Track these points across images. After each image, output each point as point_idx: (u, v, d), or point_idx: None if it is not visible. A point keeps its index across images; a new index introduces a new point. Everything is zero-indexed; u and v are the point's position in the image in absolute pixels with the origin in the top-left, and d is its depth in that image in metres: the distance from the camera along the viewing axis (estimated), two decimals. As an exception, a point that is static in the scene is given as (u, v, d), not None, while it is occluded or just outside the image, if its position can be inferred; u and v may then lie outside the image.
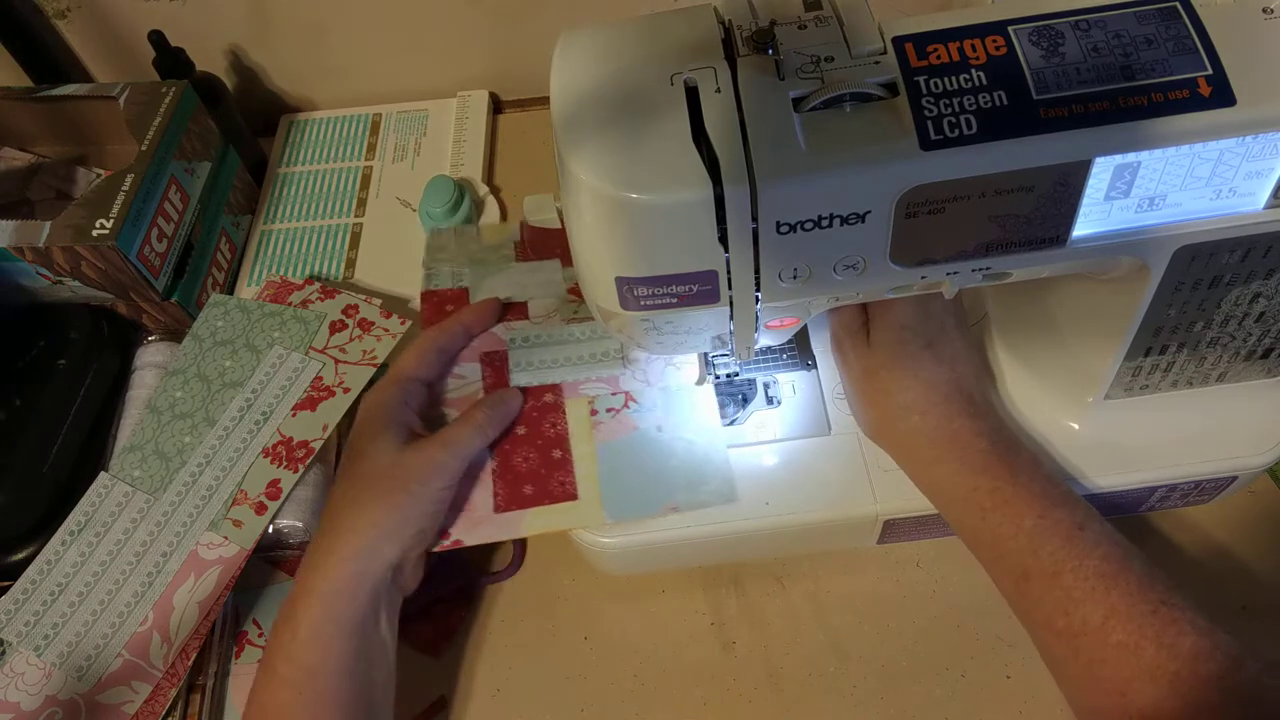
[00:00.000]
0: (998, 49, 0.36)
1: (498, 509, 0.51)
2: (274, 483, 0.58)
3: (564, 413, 0.54)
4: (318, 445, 0.59)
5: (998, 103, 0.36)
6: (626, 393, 0.55)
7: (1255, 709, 0.38)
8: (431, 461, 0.49)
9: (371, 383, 0.62)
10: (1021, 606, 0.44)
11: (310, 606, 0.46)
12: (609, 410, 0.54)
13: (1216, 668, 0.38)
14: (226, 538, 0.56)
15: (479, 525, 0.51)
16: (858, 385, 0.51)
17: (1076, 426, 0.52)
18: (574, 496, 0.51)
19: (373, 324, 0.65)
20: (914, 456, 0.48)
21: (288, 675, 0.45)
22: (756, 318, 0.44)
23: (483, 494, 0.52)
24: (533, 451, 0.53)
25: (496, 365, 0.56)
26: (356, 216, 0.76)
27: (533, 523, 0.51)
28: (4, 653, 0.54)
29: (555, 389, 0.55)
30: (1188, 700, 0.38)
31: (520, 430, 0.54)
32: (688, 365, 0.55)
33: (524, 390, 0.55)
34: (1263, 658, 0.39)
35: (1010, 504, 0.44)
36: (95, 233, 0.60)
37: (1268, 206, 0.39)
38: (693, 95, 0.38)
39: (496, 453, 0.53)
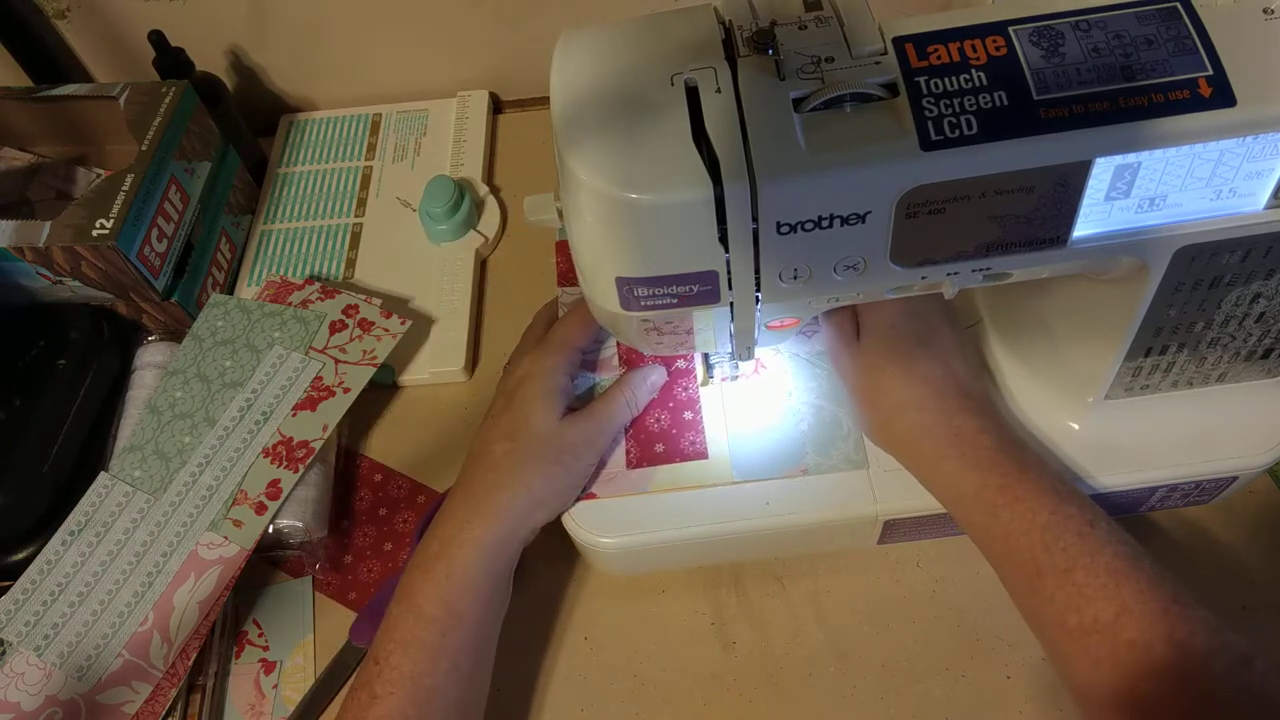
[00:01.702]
0: (998, 49, 0.36)
1: (630, 465, 0.54)
2: (274, 483, 0.58)
3: (696, 377, 0.56)
4: (318, 445, 0.59)
5: (998, 103, 0.36)
6: (758, 359, 0.56)
7: (1266, 707, 0.38)
8: (585, 437, 0.51)
9: (372, 383, 0.62)
10: (1032, 604, 0.44)
11: (468, 554, 0.48)
12: (739, 375, 0.56)
13: (1226, 666, 0.38)
14: (226, 538, 0.57)
15: (612, 480, 0.53)
16: (853, 388, 0.51)
17: (1076, 426, 0.52)
18: (704, 455, 0.54)
19: (373, 324, 0.65)
20: (917, 454, 0.48)
21: (436, 616, 0.47)
22: (756, 318, 0.44)
23: (616, 451, 0.54)
24: (665, 412, 0.55)
25: None
26: (356, 216, 0.76)
27: (662, 479, 0.53)
28: (4, 653, 0.54)
29: (688, 354, 0.57)
30: (1198, 699, 0.38)
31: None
32: (818, 334, 0.57)
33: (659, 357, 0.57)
34: (1272, 656, 0.39)
35: (1022, 500, 0.44)
36: (95, 233, 0.60)
37: (1268, 207, 0.39)
38: (693, 95, 0.38)
39: None
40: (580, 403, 0.54)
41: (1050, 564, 0.42)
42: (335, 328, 0.64)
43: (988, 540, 0.46)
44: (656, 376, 0.55)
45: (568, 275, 0.62)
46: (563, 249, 0.63)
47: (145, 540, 0.57)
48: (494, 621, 0.50)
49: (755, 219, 0.37)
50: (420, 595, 0.47)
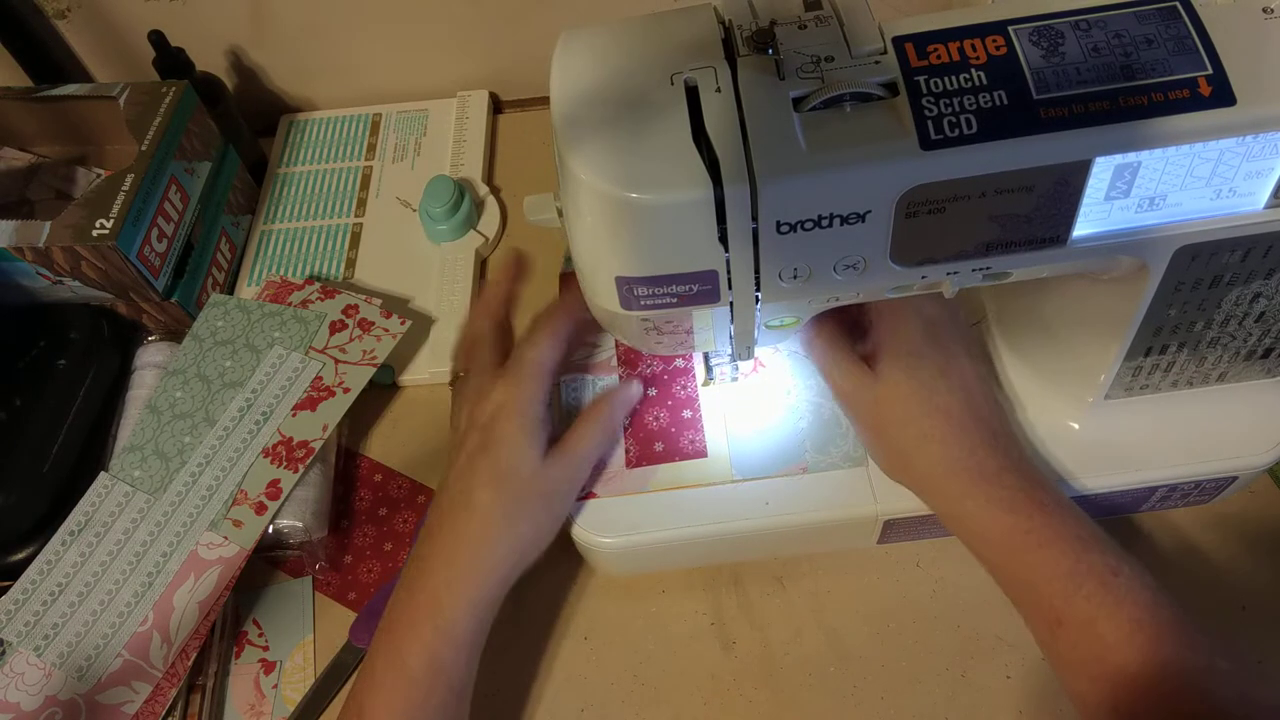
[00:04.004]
0: (998, 49, 0.36)
1: (629, 465, 0.54)
2: (274, 483, 0.58)
3: (695, 375, 0.56)
4: (318, 445, 0.59)
5: (998, 102, 0.36)
6: (756, 358, 0.56)
7: None
8: (570, 474, 0.50)
9: (372, 383, 0.62)
10: (1055, 649, 0.43)
11: (460, 610, 0.47)
12: (738, 374, 0.56)
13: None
14: (226, 538, 0.56)
15: (612, 480, 0.53)
16: (869, 420, 0.49)
17: (1076, 426, 0.52)
18: (703, 454, 0.54)
19: (373, 324, 0.65)
20: (939, 490, 0.47)
21: (421, 677, 0.46)
22: (756, 318, 0.44)
23: (616, 450, 0.54)
24: (664, 411, 0.55)
25: None
26: (356, 216, 0.76)
27: (662, 478, 0.53)
28: (4, 653, 0.54)
29: (687, 354, 0.57)
30: None
31: (652, 391, 0.56)
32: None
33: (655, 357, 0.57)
34: None
35: (1045, 546, 0.43)
36: (95, 233, 0.60)
37: (1268, 206, 0.39)
38: (693, 95, 0.38)
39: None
40: (559, 424, 0.53)
41: (1073, 615, 0.41)
42: (335, 328, 0.64)
43: (1010, 584, 0.44)
44: (633, 392, 0.54)
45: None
46: (565, 280, 0.62)
47: (145, 540, 0.57)
48: (475, 666, 0.49)
49: (755, 218, 0.37)
50: (407, 651, 0.46)
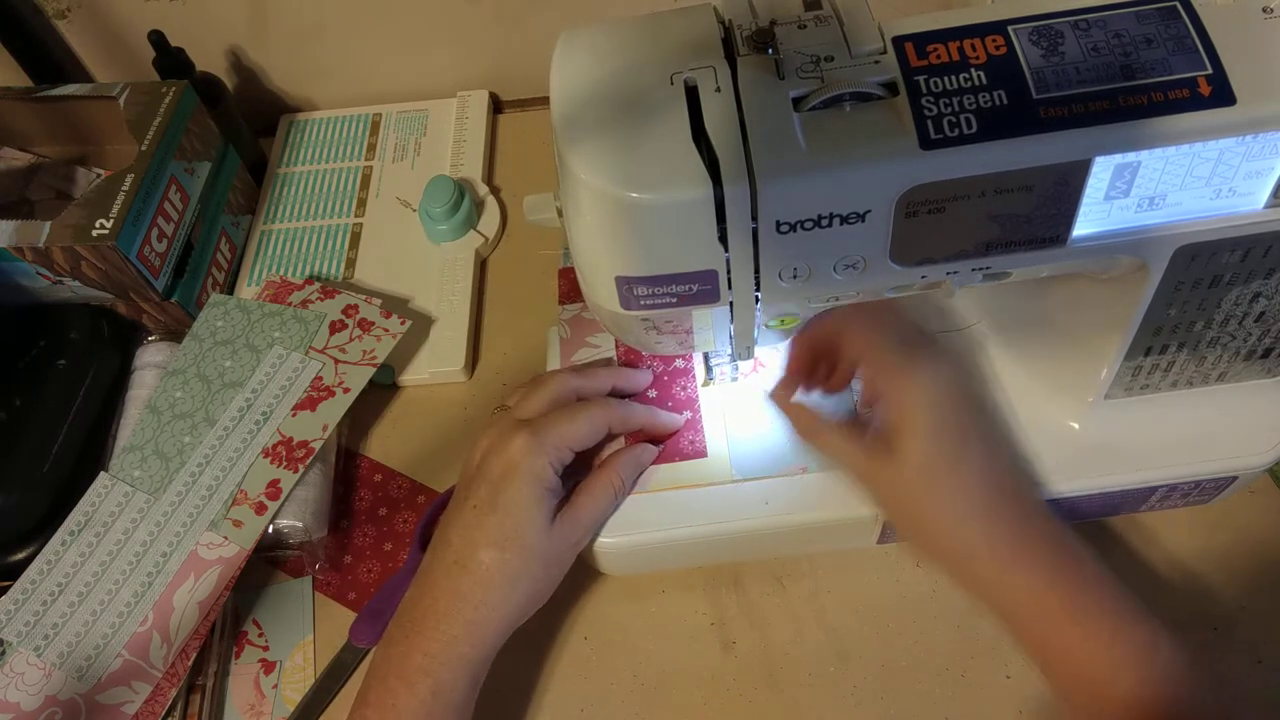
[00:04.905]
0: (997, 49, 0.36)
1: None
2: (274, 483, 0.58)
3: (695, 376, 0.57)
4: (318, 445, 0.59)
5: (997, 102, 0.36)
6: (756, 358, 0.56)
7: None
8: (575, 541, 0.50)
9: (372, 383, 0.62)
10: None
11: (457, 672, 0.47)
12: (739, 374, 0.56)
13: None
14: (226, 538, 0.57)
15: None
16: (897, 504, 0.46)
17: (1076, 426, 0.52)
18: (703, 454, 0.54)
19: (373, 324, 0.65)
20: (974, 569, 0.44)
21: None
22: (756, 317, 0.44)
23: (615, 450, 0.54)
24: (665, 411, 0.55)
25: None
26: (356, 216, 0.76)
27: (662, 477, 0.53)
28: (4, 653, 0.54)
29: (687, 354, 0.57)
30: None
31: (652, 394, 0.56)
32: None
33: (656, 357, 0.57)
34: None
35: (1084, 622, 0.42)
36: (95, 233, 0.60)
37: (1268, 206, 0.39)
38: (693, 95, 0.38)
39: None
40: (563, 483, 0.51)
41: (1114, 693, 0.40)
42: (335, 328, 0.64)
43: (1041, 650, 0.43)
44: (644, 456, 0.53)
45: (569, 295, 0.62)
46: (565, 275, 0.63)
47: (145, 540, 0.57)
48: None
49: (755, 218, 0.37)
50: (403, 709, 0.46)
